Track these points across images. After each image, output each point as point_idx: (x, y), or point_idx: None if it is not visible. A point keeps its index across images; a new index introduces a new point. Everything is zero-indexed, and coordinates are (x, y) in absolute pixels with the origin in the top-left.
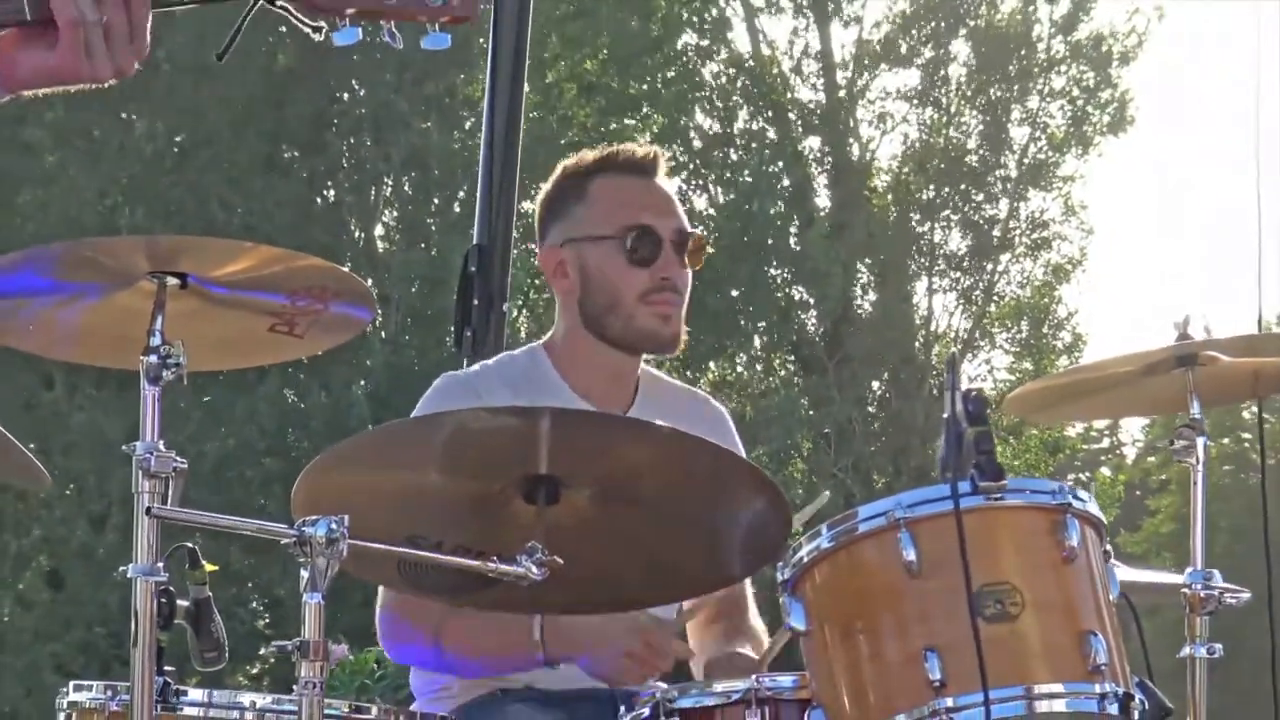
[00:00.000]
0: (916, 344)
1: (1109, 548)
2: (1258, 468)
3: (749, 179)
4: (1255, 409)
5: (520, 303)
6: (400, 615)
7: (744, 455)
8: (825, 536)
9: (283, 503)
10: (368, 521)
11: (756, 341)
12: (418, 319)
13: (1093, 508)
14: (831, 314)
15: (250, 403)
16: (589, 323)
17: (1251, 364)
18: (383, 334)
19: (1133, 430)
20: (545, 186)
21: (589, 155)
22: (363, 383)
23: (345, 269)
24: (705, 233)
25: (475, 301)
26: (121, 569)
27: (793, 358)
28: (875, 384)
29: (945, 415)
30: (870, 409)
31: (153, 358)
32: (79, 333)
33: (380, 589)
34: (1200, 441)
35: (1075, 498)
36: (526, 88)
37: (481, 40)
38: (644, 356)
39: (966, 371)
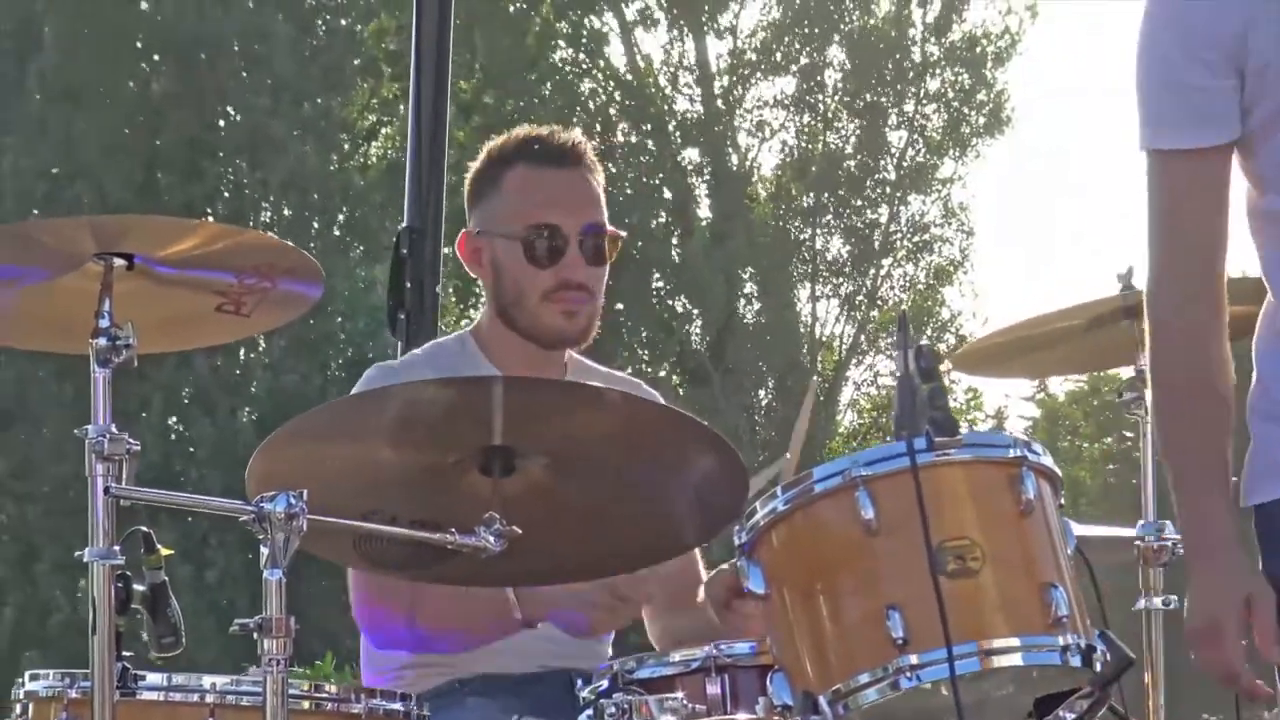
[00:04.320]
0: (801, 351)
1: (1062, 502)
2: None
3: (630, 192)
4: None
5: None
6: (374, 600)
7: None
8: (781, 499)
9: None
10: (324, 498)
11: (640, 354)
12: (301, 344)
13: (1047, 460)
14: (715, 324)
15: (135, 433)
16: (500, 313)
17: None
18: (266, 360)
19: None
20: (474, 165)
21: (513, 138)
22: (247, 410)
23: (291, 244)
24: (618, 229)
25: (408, 284)
26: (78, 554)
27: (677, 369)
28: (761, 393)
29: (898, 373)
30: (757, 418)
31: (102, 340)
32: (22, 317)
33: (350, 580)
34: (1148, 393)
35: (1030, 451)
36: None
37: (357, 61)
38: None
39: (852, 378)
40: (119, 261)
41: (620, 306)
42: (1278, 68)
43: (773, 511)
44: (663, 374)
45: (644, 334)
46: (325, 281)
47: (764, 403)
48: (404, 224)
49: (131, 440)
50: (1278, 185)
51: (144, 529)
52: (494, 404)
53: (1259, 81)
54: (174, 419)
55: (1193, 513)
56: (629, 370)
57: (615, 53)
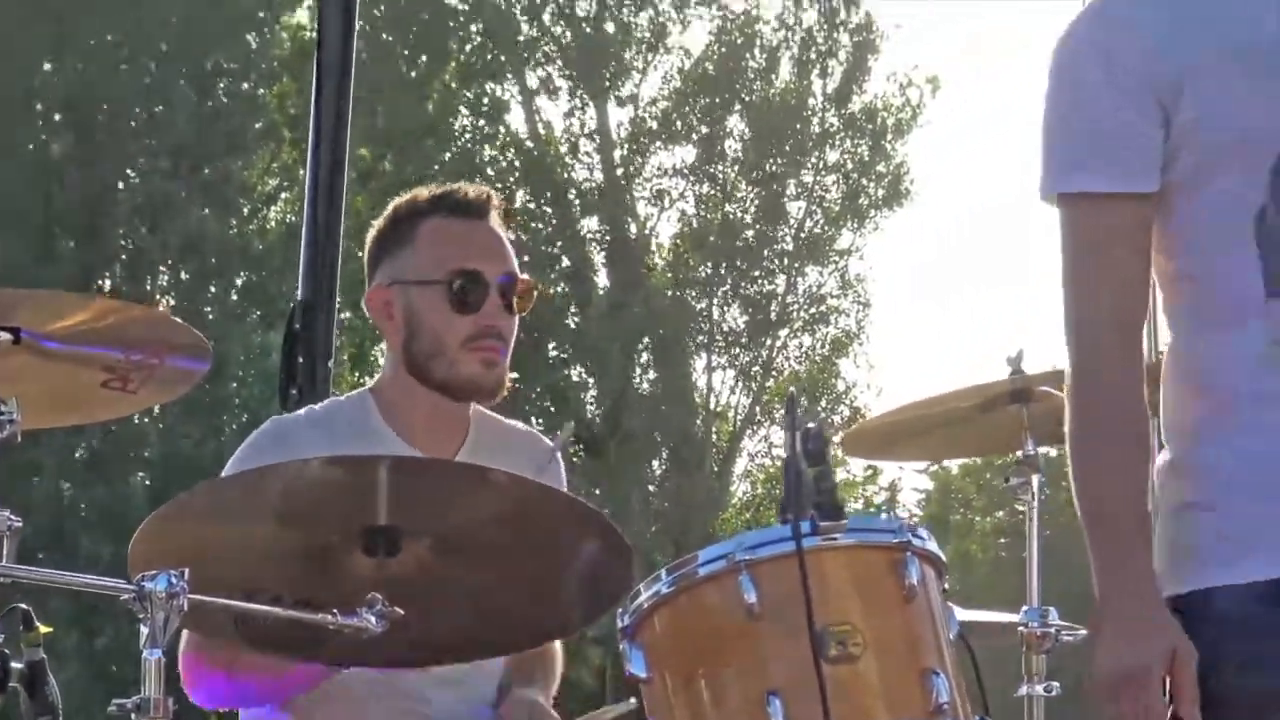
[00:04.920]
0: (696, 422)
1: (946, 586)
2: None
3: (527, 259)
4: None
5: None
6: (198, 656)
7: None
8: (665, 581)
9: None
10: (207, 576)
11: (536, 422)
12: (196, 408)
13: (932, 545)
14: (611, 393)
15: (25, 498)
16: (413, 367)
17: None
18: (160, 424)
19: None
20: (376, 224)
21: (422, 194)
22: (141, 474)
23: (179, 320)
24: (535, 279)
25: (300, 359)
26: None
27: (573, 438)
28: (655, 463)
29: (785, 455)
30: (651, 488)
31: None
32: None
33: (184, 636)
34: (1035, 479)
35: (915, 536)
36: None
37: (259, 125)
38: None
39: (746, 449)
40: (4, 336)
41: (516, 374)
42: (1209, 122)
43: (656, 594)
44: None
45: (540, 402)
46: (222, 345)
47: (658, 473)
48: (298, 298)
49: (13, 517)
50: (1194, 247)
51: (22, 606)
52: (379, 484)
53: (1185, 134)
54: (66, 484)
55: (1123, 566)
56: None
57: (516, 119)
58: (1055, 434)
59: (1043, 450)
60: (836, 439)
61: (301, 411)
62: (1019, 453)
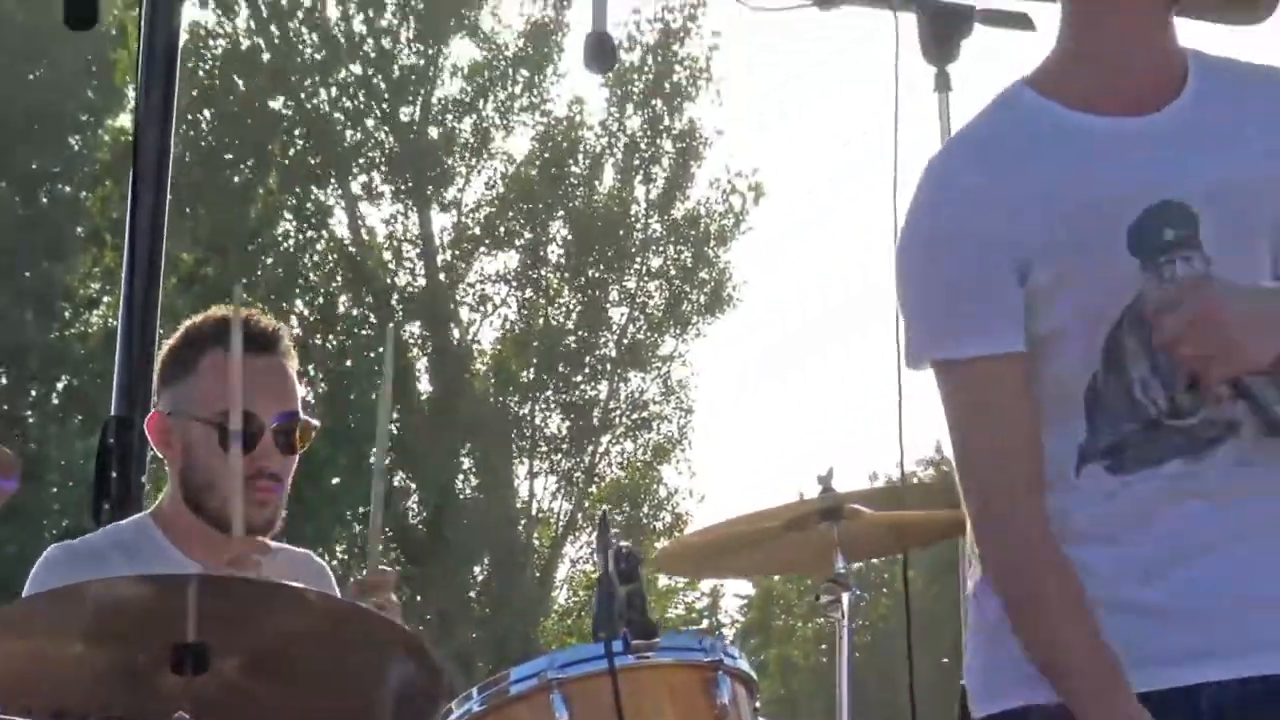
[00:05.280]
0: (518, 528)
1: (759, 704)
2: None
3: (349, 365)
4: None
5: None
6: None
7: None
8: (476, 699)
9: None
10: (13, 696)
11: (357, 529)
12: (15, 513)
13: (743, 664)
14: (433, 499)
15: None
16: (188, 497)
17: (894, 517)
18: None
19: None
20: (168, 343)
21: (211, 319)
22: None
23: None
24: (314, 419)
25: (114, 474)
26: None
27: (395, 544)
28: (477, 569)
29: (598, 574)
30: (473, 595)
31: None
32: None
33: None
34: (845, 597)
35: (726, 654)
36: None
37: (80, 230)
38: None
39: (568, 555)
40: None
41: (337, 481)
42: (1049, 296)
43: (467, 712)
44: (380, 549)
45: (361, 509)
46: (42, 449)
47: (480, 579)
48: (111, 412)
49: None
50: (1045, 416)
51: None
52: (188, 601)
53: (1033, 303)
54: None
55: (1115, 713)
56: (343, 545)
57: (339, 224)
58: (866, 550)
59: (855, 565)
60: (651, 557)
61: (77, 540)
62: (831, 570)
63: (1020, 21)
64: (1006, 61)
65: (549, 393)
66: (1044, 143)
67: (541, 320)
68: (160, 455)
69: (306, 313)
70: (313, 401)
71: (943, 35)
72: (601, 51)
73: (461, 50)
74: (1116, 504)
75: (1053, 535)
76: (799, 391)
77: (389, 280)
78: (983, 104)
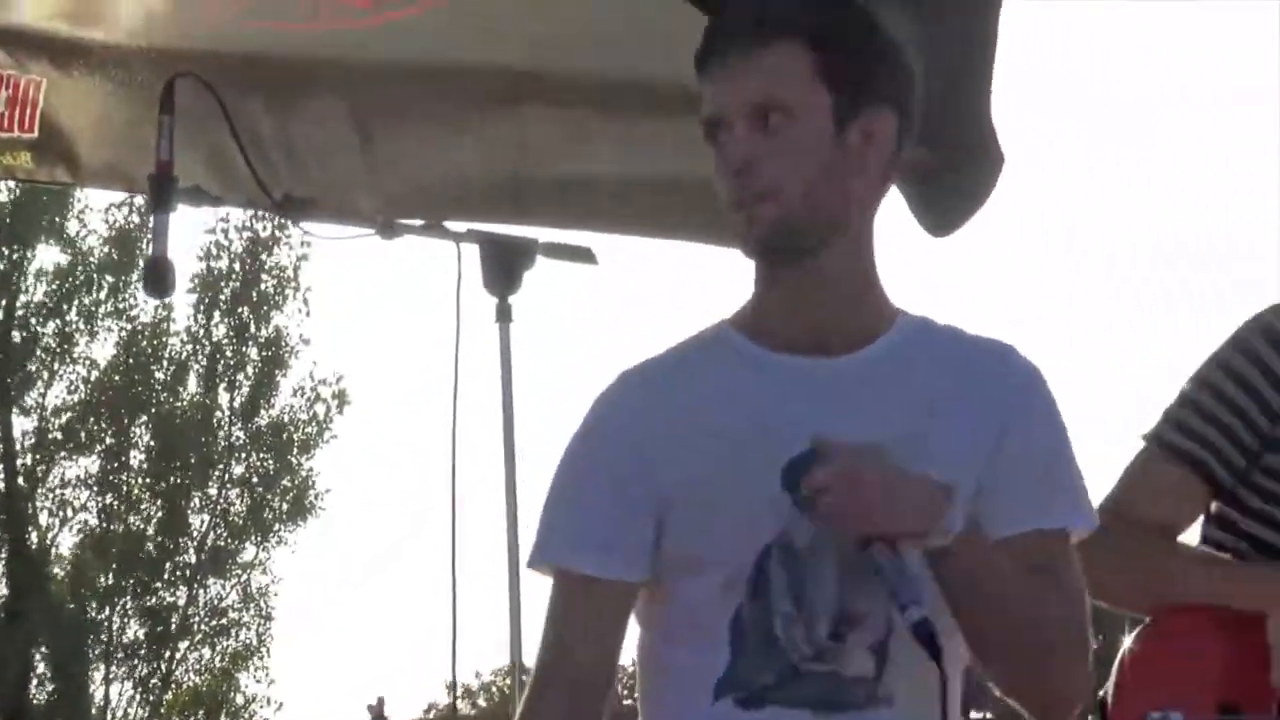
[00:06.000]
0: None
1: None
2: None
3: None
4: None
5: None
6: None
7: None
8: None
9: None
10: None
11: None
12: None
13: None
14: (5, 707)
15: None
16: None
17: None
18: None
19: None
20: None
21: None
22: None
23: None
24: None
25: None
26: None
27: None
28: None
29: None
30: None
31: None
32: None
33: None
34: None
35: None
36: None
37: None
38: None
39: None
40: None
41: None
42: (676, 544)
43: None
44: None
45: None
46: None
47: None
48: None
49: None
50: (678, 637)
51: None
52: None
53: (685, 524)
54: None
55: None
56: None
57: None
58: None
59: None
60: None
61: None
62: None
63: (583, 255)
64: (568, 293)
65: (127, 598)
66: (713, 368)
67: (122, 525)
68: None
69: None
70: None
71: (505, 266)
72: (157, 276)
73: (47, 255)
74: None
75: None
76: (371, 604)
77: None
78: (544, 334)
